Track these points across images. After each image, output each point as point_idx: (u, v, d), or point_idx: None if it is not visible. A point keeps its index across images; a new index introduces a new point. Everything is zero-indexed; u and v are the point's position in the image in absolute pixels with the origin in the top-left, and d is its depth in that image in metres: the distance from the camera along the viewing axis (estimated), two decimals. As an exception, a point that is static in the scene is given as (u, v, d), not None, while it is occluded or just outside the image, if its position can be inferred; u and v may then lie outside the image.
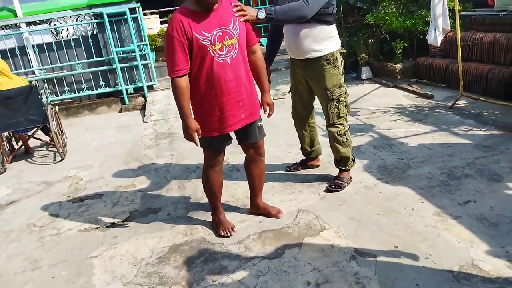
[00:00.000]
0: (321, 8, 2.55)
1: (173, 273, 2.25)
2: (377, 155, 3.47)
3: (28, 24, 5.82)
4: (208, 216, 2.73)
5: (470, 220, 2.41)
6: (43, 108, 4.17)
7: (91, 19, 5.91)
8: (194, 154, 3.78)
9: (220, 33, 2.17)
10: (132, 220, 2.88)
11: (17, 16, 5.85)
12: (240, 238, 2.50)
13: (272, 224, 2.61)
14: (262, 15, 2.39)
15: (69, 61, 5.93)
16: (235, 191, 3.12)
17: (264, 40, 6.16)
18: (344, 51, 2.87)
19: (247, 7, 2.33)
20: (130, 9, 5.84)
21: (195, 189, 3.21)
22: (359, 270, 2.10)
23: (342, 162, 2.96)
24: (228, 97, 2.27)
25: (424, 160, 3.25)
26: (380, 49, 6.46)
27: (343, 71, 2.84)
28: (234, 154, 3.62)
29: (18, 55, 5.77)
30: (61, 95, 6.02)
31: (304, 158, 3.32)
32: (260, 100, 2.53)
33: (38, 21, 5.84)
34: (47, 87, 5.84)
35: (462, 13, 5.50)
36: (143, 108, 5.99)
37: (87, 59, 5.95)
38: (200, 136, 2.28)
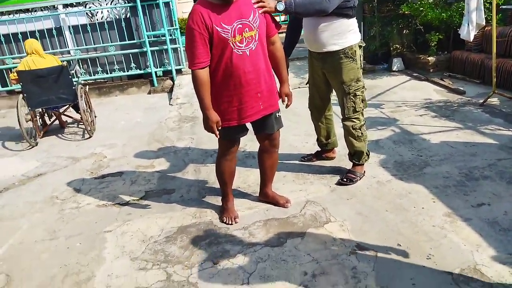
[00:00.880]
0: (342, 2, 2.50)
1: (178, 252, 2.34)
2: (396, 150, 3.40)
3: (65, 6, 6.07)
4: (218, 201, 2.80)
5: (480, 223, 2.34)
6: (73, 87, 4.36)
7: (125, 2, 6.07)
8: (213, 139, 3.76)
9: (240, 25, 2.17)
10: (147, 199, 3.00)
11: (55, -2, 6.10)
12: (245, 224, 2.56)
13: (278, 213, 2.64)
14: (281, 7, 2.37)
15: (103, 43, 6.14)
16: (247, 178, 3.17)
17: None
18: (364, 44, 2.82)
19: None
20: (162, -7, 5.94)
21: (209, 173, 3.28)
22: (357, 265, 2.10)
23: (356, 156, 2.94)
24: (247, 88, 2.28)
25: (444, 158, 3.16)
26: (414, 41, 6.24)
27: (362, 65, 2.79)
28: (252, 141, 3.65)
29: (55, 35, 6.04)
30: (94, 75, 6.26)
31: (319, 149, 3.31)
32: (278, 91, 2.54)
33: (74, 4, 6.06)
34: (81, 66, 6.09)
35: (503, 7, 5.19)
36: (170, 90, 6.13)
37: (120, 41, 6.14)
38: (219, 128, 2.30)
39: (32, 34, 5.83)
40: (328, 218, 2.54)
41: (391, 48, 6.28)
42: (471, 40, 4.50)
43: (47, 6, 6.00)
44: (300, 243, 2.33)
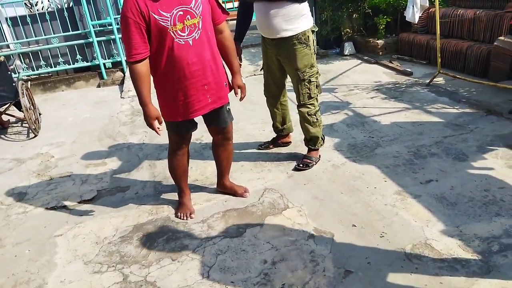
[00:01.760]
0: None
1: (134, 252, 2.27)
2: (349, 133, 3.48)
3: (0, -5, 5.62)
4: (175, 195, 2.73)
5: (429, 199, 2.45)
6: (14, 84, 4.08)
7: (66, -10, 5.71)
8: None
9: (181, 12, 2.04)
10: (99, 198, 2.88)
11: (-13, -13, 5.63)
12: (204, 217, 2.52)
13: (237, 203, 2.62)
14: None
15: (45, 35, 5.76)
16: (205, 170, 3.12)
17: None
18: (316, 29, 2.81)
19: None
20: (105, -20, 5.65)
21: (165, 168, 3.16)
22: (315, 249, 2.14)
23: (312, 141, 2.98)
24: (191, 80, 2.16)
25: (394, 138, 3.27)
26: (363, 25, 6.37)
27: (315, 50, 2.80)
28: (208, 132, 3.58)
29: (-10, 28, 5.60)
30: (37, 70, 5.88)
31: (275, 136, 3.32)
32: (230, 82, 2.45)
33: (10, -7, 5.63)
34: (21, 61, 5.70)
35: (445, -12, 5.41)
36: (121, 83, 5.90)
37: (63, 32, 5.79)
38: (161, 123, 2.20)
39: (-37, 27, 5.37)
40: (286, 204, 2.56)
41: (342, 33, 6.38)
42: (416, 22, 4.66)
43: (-22, -4, 5.54)
44: (259, 231, 2.33)
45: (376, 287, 1.86)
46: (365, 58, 5.80)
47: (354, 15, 6.34)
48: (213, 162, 2.73)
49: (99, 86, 5.98)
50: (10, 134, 4.37)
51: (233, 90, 2.48)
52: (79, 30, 5.84)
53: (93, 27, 5.74)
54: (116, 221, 2.57)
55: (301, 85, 2.78)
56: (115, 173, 3.23)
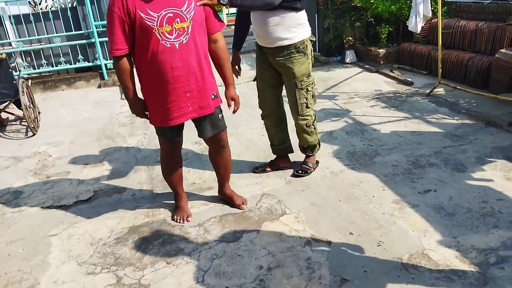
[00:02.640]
0: None
1: (129, 254, 2.25)
2: (349, 141, 3.47)
3: (4, -6, 5.63)
4: (172, 198, 2.71)
5: (427, 209, 2.44)
6: (14, 81, 4.07)
7: (70, -10, 5.73)
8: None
9: (171, 14, 1.99)
10: (96, 199, 2.86)
11: (-9, -15, 5.64)
12: (201, 220, 2.51)
13: (234, 208, 2.61)
14: None
15: (47, 34, 5.77)
16: (203, 173, 3.11)
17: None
18: (314, 39, 2.75)
19: None
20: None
21: (163, 170, 3.18)
22: (311, 256, 2.12)
23: (309, 149, 2.96)
24: (174, 86, 2.09)
25: (393, 147, 3.26)
26: (365, 33, 6.40)
27: (313, 60, 2.75)
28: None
29: (-6, 26, 5.60)
30: (38, 68, 5.89)
31: (273, 158, 3.08)
32: (224, 94, 2.36)
33: (14, -9, 5.64)
34: (23, 59, 5.70)
35: (448, 0, 5.44)
36: (122, 84, 5.88)
37: (66, 32, 5.79)
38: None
39: (-34, 24, 5.37)
40: (283, 210, 2.55)
41: (344, 41, 6.40)
42: (419, 32, 4.68)
43: (-18, -6, 5.54)
44: (255, 237, 2.31)
45: (372, 296, 1.85)
46: (366, 66, 5.81)
47: (356, 24, 6.37)
48: (211, 166, 2.72)
49: (99, 86, 5.98)
50: (9, 132, 4.36)
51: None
52: (82, 30, 5.84)
53: (96, 28, 5.74)
54: (111, 223, 2.55)
55: (299, 94, 2.71)
56: (112, 174, 3.22)
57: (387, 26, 5.74)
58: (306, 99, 2.74)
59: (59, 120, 4.62)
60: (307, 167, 2.95)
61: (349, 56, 6.21)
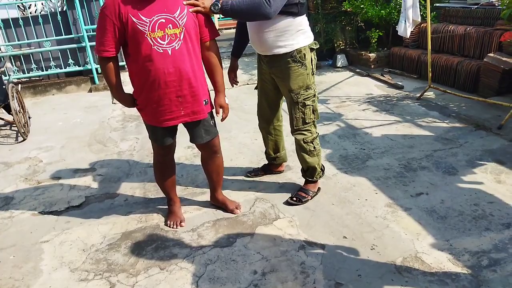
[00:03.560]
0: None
1: (122, 260, 2.23)
2: (341, 145, 3.49)
3: (-8, -3, 5.57)
4: (165, 203, 2.70)
5: (419, 212, 2.46)
6: (3, 86, 4.02)
7: (60, -6, 5.69)
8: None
9: (163, 20, 1.99)
10: (87, 205, 2.84)
11: (-20, -12, 5.58)
12: (194, 225, 2.50)
13: (228, 213, 2.60)
14: (216, 7, 2.16)
15: (37, 38, 5.72)
16: (196, 178, 3.10)
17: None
18: (317, 46, 2.53)
19: None
20: (101, -15, 5.64)
21: (156, 175, 3.17)
22: (305, 260, 2.12)
23: (309, 172, 2.67)
24: (166, 90, 2.11)
25: (385, 151, 3.29)
26: (356, 38, 6.46)
27: (314, 70, 2.52)
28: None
29: (-19, 30, 5.53)
30: (28, 73, 5.82)
31: (267, 163, 3.05)
32: (213, 101, 2.36)
33: (3, -5, 5.59)
34: (13, 63, 5.64)
35: (437, 4, 5.52)
36: (113, 89, 5.84)
37: (56, 36, 5.75)
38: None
39: (-46, 28, 5.30)
40: (277, 214, 2.55)
41: (335, 45, 6.45)
42: (408, 37, 4.74)
43: (-30, -2, 5.48)
44: (249, 241, 2.31)
45: (366, 300, 1.85)
46: (357, 70, 5.86)
47: (347, 28, 6.43)
48: (205, 170, 2.71)
49: (90, 91, 5.94)
50: (-2, 137, 4.30)
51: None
52: (72, 34, 5.81)
53: (87, 32, 5.71)
54: (104, 228, 2.53)
55: (295, 108, 2.50)
56: (104, 179, 3.19)
57: (377, 30, 5.80)
58: (303, 113, 2.50)
59: (49, 125, 4.57)
60: (304, 194, 2.65)
61: (340, 60, 6.26)
